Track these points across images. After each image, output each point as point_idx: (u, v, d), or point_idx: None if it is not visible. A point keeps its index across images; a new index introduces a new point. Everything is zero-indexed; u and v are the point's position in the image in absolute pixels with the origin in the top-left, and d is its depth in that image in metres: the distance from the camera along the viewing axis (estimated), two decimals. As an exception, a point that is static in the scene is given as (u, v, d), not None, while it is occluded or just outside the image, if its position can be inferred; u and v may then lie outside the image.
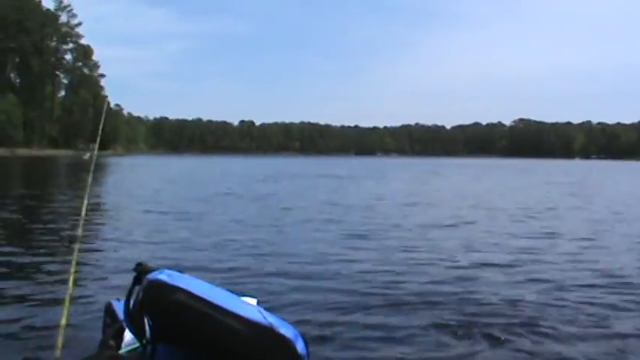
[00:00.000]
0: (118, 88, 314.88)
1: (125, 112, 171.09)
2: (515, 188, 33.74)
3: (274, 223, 14.46)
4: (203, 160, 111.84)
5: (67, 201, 20.17)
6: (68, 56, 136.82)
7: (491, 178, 46.43)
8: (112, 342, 2.73)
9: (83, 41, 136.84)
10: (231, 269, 8.33)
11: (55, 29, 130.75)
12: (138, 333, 2.48)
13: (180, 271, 2.48)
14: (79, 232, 3.68)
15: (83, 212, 3.88)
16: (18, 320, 5.80)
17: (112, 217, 15.65)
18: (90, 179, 4.22)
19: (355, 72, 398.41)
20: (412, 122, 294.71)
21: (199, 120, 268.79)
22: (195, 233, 12.36)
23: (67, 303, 3.10)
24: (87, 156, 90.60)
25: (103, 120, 6.91)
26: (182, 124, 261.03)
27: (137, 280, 2.43)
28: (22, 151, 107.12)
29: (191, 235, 12.00)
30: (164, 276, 2.37)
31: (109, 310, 3.02)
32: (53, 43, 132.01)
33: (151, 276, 2.37)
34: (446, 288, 7.42)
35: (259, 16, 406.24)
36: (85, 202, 3.99)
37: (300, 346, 2.42)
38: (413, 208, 19.86)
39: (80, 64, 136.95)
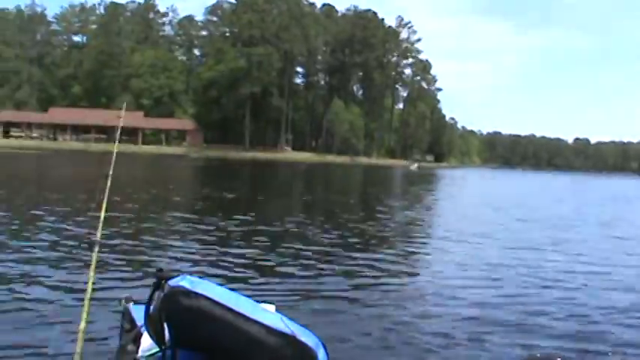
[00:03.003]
0: (452, 101, 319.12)
1: (459, 125, 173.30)
2: None
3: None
4: (540, 175, 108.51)
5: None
6: (407, 70, 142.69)
7: None
8: (130, 347, 2.73)
9: (422, 56, 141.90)
10: None
11: (396, 45, 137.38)
12: (157, 338, 2.46)
13: (201, 277, 2.46)
14: (98, 235, 3.62)
15: (102, 215, 3.79)
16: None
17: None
18: (109, 182, 4.16)
19: None
20: None
21: (532, 136, 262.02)
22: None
23: (86, 307, 3.11)
24: (414, 166, 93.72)
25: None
26: (515, 139, 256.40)
27: (158, 286, 2.41)
28: (362, 160, 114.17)
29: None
30: (185, 282, 2.36)
31: (127, 314, 2.99)
32: (394, 58, 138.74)
33: (172, 282, 2.36)
34: None
35: (602, 30, 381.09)
36: (104, 205, 3.92)
37: (321, 354, 2.42)
38: None
39: (418, 78, 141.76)
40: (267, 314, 2.44)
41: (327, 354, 2.48)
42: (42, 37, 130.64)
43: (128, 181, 30.48)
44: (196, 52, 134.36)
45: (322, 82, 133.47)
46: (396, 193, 33.20)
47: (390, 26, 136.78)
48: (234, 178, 38.56)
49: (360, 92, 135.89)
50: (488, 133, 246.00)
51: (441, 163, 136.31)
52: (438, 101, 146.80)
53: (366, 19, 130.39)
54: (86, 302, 3.15)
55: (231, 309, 2.35)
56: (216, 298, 2.35)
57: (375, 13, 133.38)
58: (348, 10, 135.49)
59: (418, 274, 9.85)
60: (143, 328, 2.60)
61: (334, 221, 16.62)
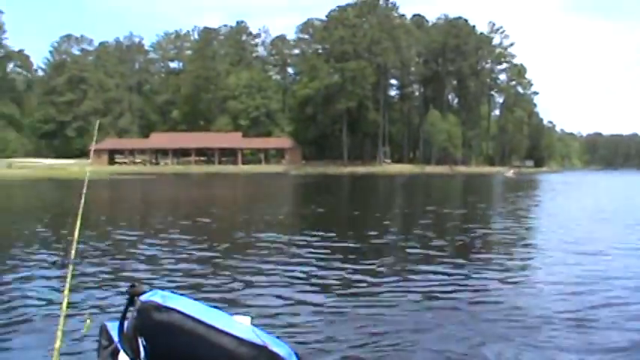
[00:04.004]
0: (549, 105, 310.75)
1: (558, 128, 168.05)
2: None
3: None
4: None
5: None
6: (502, 76, 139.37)
7: None
8: None
9: (516, 60, 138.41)
10: None
11: (489, 51, 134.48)
12: (133, 354, 2.46)
13: (173, 292, 2.50)
14: (72, 254, 3.56)
15: (76, 234, 3.67)
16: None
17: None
18: (82, 200, 3.95)
19: None
20: None
21: (635, 135, 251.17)
22: None
23: (60, 325, 3.02)
24: (510, 173, 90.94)
25: None
26: (617, 139, 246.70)
27: (130, 302, 2.44)
28: (461, 169, 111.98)
29: None
30: (157, 297, 2.40)
31: (104, 331, 2.90)
32: (488, 65, 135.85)
33: (144, 297, 2.40)
34: None
35: None
36: (78, 223, 3.78)
37: None
38: None
39: (514, 83, 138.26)
40: (239, 326, 2.46)
41: None
42: (140, 66, 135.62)
43: (228, 200, 31.86)
44: (290, 70, 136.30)
45: (417, 93, 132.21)
46: (492, 202, 31.79)
47: (482, 32, 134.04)
48: (331, 193, 38.50)
49: (456, 101, 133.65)
50: (589, 135, 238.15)
51: (541, 168, 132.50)
52: (535, 105, 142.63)
53: (458, 27, 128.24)
54: (61, 320, 3.06)
55: (202, 322, 2.37)
56: (188, 312, 2.37)
57: (466, 21, 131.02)
58: (438, 19, 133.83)
59: (521, 286, 8.85)
60: (119, 345, 2.56)
61: (429, 231, 15.78)
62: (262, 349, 2.40)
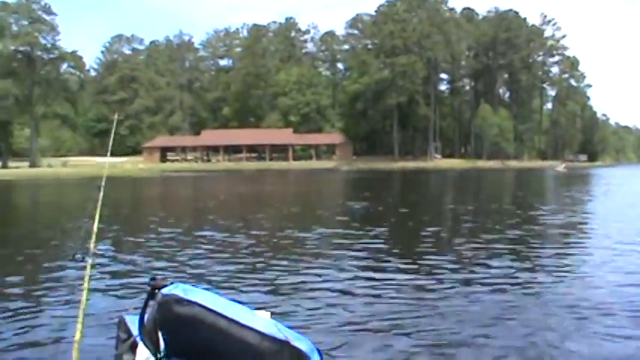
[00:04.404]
0: (603, 97, 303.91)
1: (612, 122, 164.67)
2: None
3: None
4: None
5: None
6: (555, 69, 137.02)
7: None
8: (126, 357, 2.71)
9: (568, 53, 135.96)
10: None
11: (540, 44, 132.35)
12: (153, 347, 2.47)
13: (194, 285, 2.49)
14: (92, 246, 3.65)
15: (95, 229, 3.79)
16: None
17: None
18: (100, 195, 4.07)
19: None
20: None
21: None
22: None
23: (80, 318, 3.10)
24: (561, 167, 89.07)
25: None
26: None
27: (151, 295, 2.45)
28: (513, 163, 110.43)
29: None
30: (178, 290, 2.40)
31: (122, 324, 2.91)
32: (540, 57, 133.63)
33: (165, 291, 2.40)
34: None
35: None
36: (97, 218, 3.88)
37: (315, 359, 2.47)
38: None
39: (566, 75, 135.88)
40: (261, 320, 2.43)
41: (322, 359, 2.48)
42: (190, 64, 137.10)
43: (276, 196, 31.90)
44: (340, 66, 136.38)
45: (467, 87, 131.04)
46: (543, 196, 31.08)
47: (533, 25, 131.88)
48: (382, 189, 37.87)
49: (507, 95, 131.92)
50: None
51: (595, 162, 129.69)
52: (589, 98, 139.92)
53: (508, 20, 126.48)
54: (80, 313, 3.10)
55: (224, 315, 2.36)
56: (209, 305, 2.37)
57: (516, 13, 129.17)
58: (489, 12, 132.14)
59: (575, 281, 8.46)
60: (139, 338, 2.54)
61: (483, 226, 15.45)
62: (284, 344, 2.38)
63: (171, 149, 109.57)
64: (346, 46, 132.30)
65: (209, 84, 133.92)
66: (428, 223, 16.58)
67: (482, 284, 7.96)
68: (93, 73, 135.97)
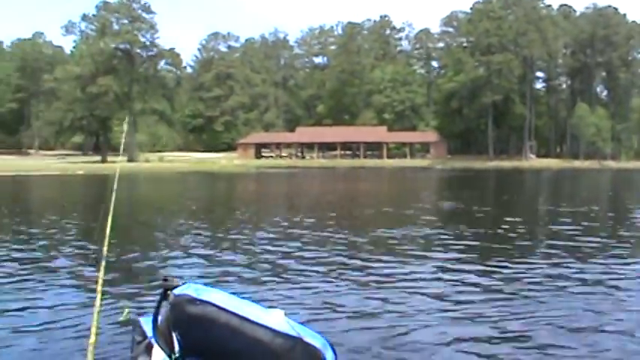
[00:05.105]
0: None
1: None
2: None
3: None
4: None
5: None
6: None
7: None
8: (141, 359, 2.72)
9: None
10: None
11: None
12: (167, 348, 2.49)
13: (205, 285, 2.52)
14: (104, 250, 3.67)
15: (108, 231, 3.81)
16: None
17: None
18: (113, 197, 4.03)
19: None
20: None
21: None
22: None
23: (95, 320, 3.12)
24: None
25: None
26: None
27: (164, 296, 2.47)
28: (610, 164, 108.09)
29: None
30: (190, 290, 2.43)
31: (137, 326, 2.93)
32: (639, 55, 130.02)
33: (178, 291, 2.43)
34: None
35: None
36: (109, 219, 3.86)
37: (329, 356, 2.48)
38: None
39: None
40: (273, 318, 2.46)
41: (336, 355, 2.51)
42: (285, 62, 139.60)
43: (370, 194, 32.26)
44: (434, 64, 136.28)
45: (564, 86, 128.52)
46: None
47: (633, 21, 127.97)
48: (477, 188, 37.72)
49: (605, 93, 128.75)
50: None
51: None
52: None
53: (607, 16, 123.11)
54: (95, 315, 3.16)
55: (236, 314, 2.39)
56: (222, 304, 2.39)
57: (616, 9, 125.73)
58: (587, 8, 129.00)
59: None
60: (153, 339, 2.60)
61: (575, 233, 14.77)
62: (297, 341, 2.42)
63: (266, 146, 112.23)
64: (441, 44, 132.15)
65: (304, 81, 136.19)
66: (524, 224, 16.47)
67: (590, 293, 7.80)
68: (189, 70, 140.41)
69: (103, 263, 3.62)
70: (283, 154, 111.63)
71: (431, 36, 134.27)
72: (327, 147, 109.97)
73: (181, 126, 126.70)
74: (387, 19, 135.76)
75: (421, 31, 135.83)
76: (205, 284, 2.59)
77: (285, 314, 2.62)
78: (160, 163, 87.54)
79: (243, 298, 2.58)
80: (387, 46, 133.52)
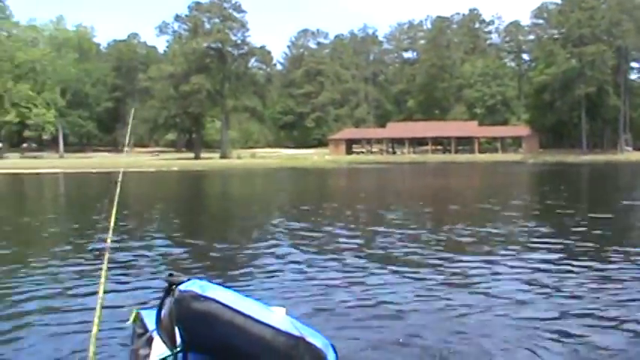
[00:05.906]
0: None
1: None
2: None
3: None
4: None
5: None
6: None
7: None
8: (142, 351, 2.77)
9: None
10: None
11: None
12: (169, 342, 2.54)
13: (210, 281, 2.55)
14: (108, 242, 3.74)
15: (112, 223, 3.91)
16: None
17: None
18: (117, 189, 4.20)
19: None
20: None
21: None
22: None
23: (98, 312, 3.20)
24: None
25: None
26: None
27: (168, 291, 2.51)
28: None
29: None
30: (195, 286, 2.45)
31: (138, 319, 2.98)
32: None
33: (182, 287, 2.46)
34: None
35: None
36: (114, 212, 4.01)
37: (330, 356, 2.52)
38: None
39: None
40: (276, 316, 2.48)
41: (337, 355, 2.54)
42: (375, 57, 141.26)
43: (460, 190, 31.66)
44: (525, 57, 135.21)
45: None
46: None
47: None
48: (571, 184, 36.26)
49: None
50: None
51: None
52: None
53: None
54: (97, 307, 3.21)
55: (240, 312, 2.42)
56: (226, 302, 2.42)
57: None
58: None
59: None
60: (155, 333, 2.64)
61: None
62: (299, 340, 2.43)
63: (357, 141, 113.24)
64: (531, 37, 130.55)
65: (393, 76, 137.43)
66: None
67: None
68: (279, 67, 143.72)
69: (107, 255, 3.65)
70: (374, 150, 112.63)
71: (521, 28, 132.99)
72: (417, 142, 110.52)
73: (272, 122, 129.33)
74: (476, 12, 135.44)
75: (511, 23, 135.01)
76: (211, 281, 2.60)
77: (287, 312, 2.69)
78: (252, 160, 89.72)
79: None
80: (476, 40, 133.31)
